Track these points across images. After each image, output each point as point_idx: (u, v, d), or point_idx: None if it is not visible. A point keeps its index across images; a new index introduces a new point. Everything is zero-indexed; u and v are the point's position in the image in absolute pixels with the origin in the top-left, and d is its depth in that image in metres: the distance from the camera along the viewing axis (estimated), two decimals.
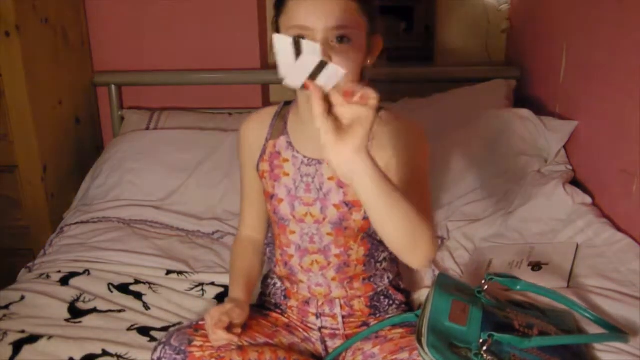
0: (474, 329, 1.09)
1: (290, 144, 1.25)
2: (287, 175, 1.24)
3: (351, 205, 1.21)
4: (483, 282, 1.20)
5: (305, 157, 1.24)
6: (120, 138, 2.26)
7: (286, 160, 1.24)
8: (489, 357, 1.03)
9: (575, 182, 1.88)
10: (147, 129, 2.29)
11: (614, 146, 1.67)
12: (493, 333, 1.05)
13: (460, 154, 2.01)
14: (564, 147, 1.97)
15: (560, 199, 1.76)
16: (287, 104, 1.31)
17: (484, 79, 2.34)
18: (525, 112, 2.04)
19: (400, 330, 1.23)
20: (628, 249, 1.50)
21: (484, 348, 1.03)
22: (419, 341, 1.05)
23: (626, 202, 1.58)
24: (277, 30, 1.15)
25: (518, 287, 1.22)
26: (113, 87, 2.42)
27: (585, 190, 1.80)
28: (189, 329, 1.16)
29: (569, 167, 1.93)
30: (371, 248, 1.28)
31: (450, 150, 2.01)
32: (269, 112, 1.32)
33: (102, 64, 2.45)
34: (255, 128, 1.30)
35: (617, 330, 1.18)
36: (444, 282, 1.19)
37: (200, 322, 1.18)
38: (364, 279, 1.29)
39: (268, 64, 2.58)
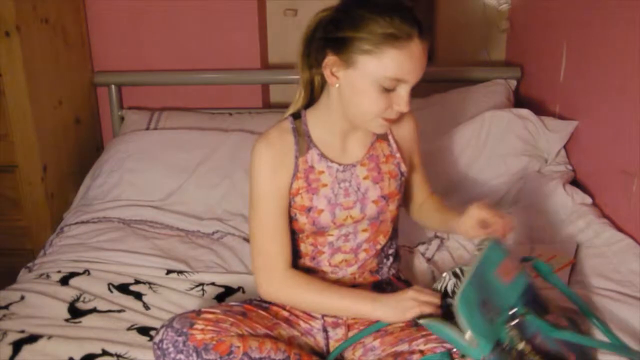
0: (513, 293, 1.10)
1: (321, 155, 1.26)
2: (325, 185, 1.26)
3: (388, 197, 1.29)
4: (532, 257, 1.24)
5: (340, 164, 1.26)
6: (120, 138, 2.26)
7: (322, 172, 1.26)
8: (512, 332, 1.03)
9: (575, 182, 1.88)
10: (147, 129, 2.29)
11: (614, 146, 1.67)
12: (526, 312, 1.05)
13: (460, 154, 2.01)
14: (564, 147, 1.97)
15: (560, 199, 1.76)
16: (296, 117, 1.29)
17: (484, 79, 2.34)
18: (525, 112, 2.04)
19: (400, 324, 1.25)
20: (628, 249, 1.50)
21: (512, 323, 1.04)
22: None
23: (626, 202, 1.58)
24: (336, 52, 1.15)
25: (550, 280, 1.23)
26: (113, 87, 2.42)
27: (585, 190, 1.80)
28: (191, 313, 1.17)
29: (569, 167, 1.93)
30: (387, 241, 1.34)
31: (449, 151, 2.01)
32: (283, 130, 1.27)
33: (102, 64, 2.45)
34: (280, 148, 1.25)
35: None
36: (498, 243, 1.18)
37: (203, 309, 1.19)
38: (372, 272, 1.34)
39: (268, 64, 2.59)
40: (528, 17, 2.33)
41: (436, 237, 1.78)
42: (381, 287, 1.34)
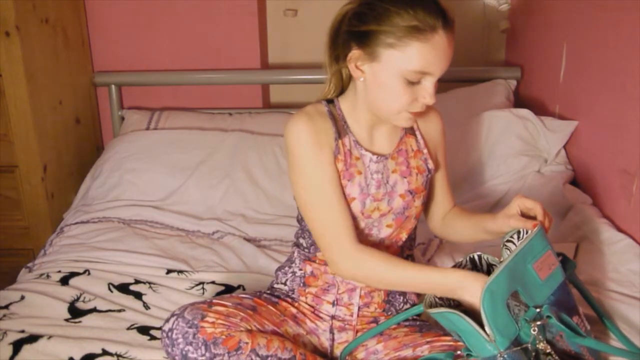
0: (546, 290, 1.08)
1: (357, 142, 1.25)
2: (360, 173, 1.25)
3: (414, 192, 1.27)
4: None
5: (374, 154, 1.26)
6: (120, 138, 2.26)
7: (357, 159, 1.25)
8: (534, 330, 1.03)
9: (575, 182, 1.88)
10: (147, 129, 2.29)
11: (614, 146, 1.67)
12: (549, 316, 1.04)
13: (460, 154, 2.01)
14: (564, 147, 1.97)
15: (560, 199, 1.76)
16: (329, 102, 1.28)
17: (484, 79, 2.34)
18: (525, 112, 2.04)
19: (404, 329, 1.26)
20: (628, 249, 1.50)
21: (537, 322, 1.03)
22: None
23: (626, 202, 1.58)
24: (362, 46, 1.14)
25: (571, 280, 1.21)
26: (113, 87, 2.42)
27: (585, 190, 1.80)
28: (203, 305, 1.17)
29: (569, 167, 1.93)
30: (406, 241, 1.32)
31: (450, 151, 2.01)
32: (318, 111, 1.25)
33: (102, 64, 2.45)
34: (319, 125, 1.23)
35: None
36: (544, 232, 1.15)
37: (214, 300, 1.19)
38: None
39: (268, 64, 2.59)
40: (528, 17, 2.33)
41: (435, 237, 1.78)
42: (394, 295, 1.32)
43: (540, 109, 2.12)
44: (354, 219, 1.25)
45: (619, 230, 1.58)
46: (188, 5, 2.37)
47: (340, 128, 1.25)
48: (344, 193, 1.23)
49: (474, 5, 2.52)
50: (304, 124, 1.21)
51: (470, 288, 1.07)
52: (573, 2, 1.92)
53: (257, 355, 1.13)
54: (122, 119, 2.42)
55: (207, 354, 1.10)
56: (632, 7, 1.54)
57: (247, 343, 1.13)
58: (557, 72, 2.02)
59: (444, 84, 2.42)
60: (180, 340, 1.11)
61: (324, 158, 1.21)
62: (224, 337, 1.12)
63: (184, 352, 1.11)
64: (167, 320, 1.14)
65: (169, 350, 1.12)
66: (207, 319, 1.13)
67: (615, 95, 1.65)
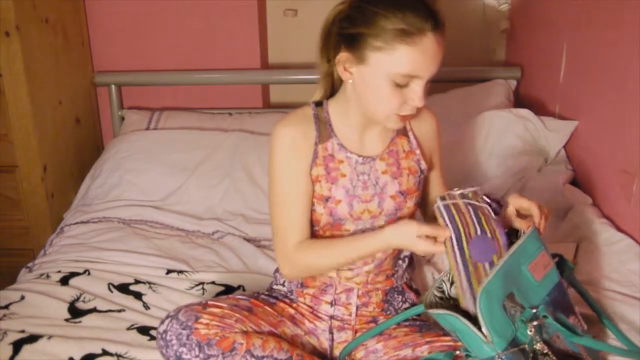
0: (541, 291, 1.09)
1: (341, 145, 1.25)
2: (344, 176, 1.25)
3: (406, 193, 1.27)
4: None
5: (360, 156, 1.26)
6: (120, 138, 2.26)
7: (341, 162, 1.25)
8: (530, 331, 1.03)
9: (575, 182, 1.88)
10: (147, 129, 2.29)
11: (614, 146, 1.67)
12: (546, 315, 1.05)
13: (460, 154, 2.01)
14: (564, 147, 1.97)
15: (560, 199, 1.76)
16: (318, 104, 1.29)
17: (484, 79, 2.34)
18: (525, 112, 2.04)
19: (404, 329, 1.26)
20: (628, 249, 1.50)
21: (534, 323, 1.03)
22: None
23: (626, 202, 1.58)
24: (351, 50, 1.14)
25: (568, 280, 1.21)
26: (113, 87, 2.42)
27: (585, 190, 1.80)
28: (198, 306, 1.18)
29: (569, 167, 1.93)
30: None
31: (450, 151, 2.01)
32: (305, 115, 1.26)
33: (102, 64, 2.45)
34: (301, 131, 1.24)
35: None
36: (537, 233, 1.16)
37: (210, 302, 1.20)
38: (387, 275, 1.32)
39: (268, 64, 2.59)
40: (528, 17, 2.33)
41: None
42: (392, 295, 1.33)
43: (540, 109, 2.12)
44: (342, 221, 1.25)
45: (619, 230, 1.58)
46: (188, 5, 2.37)
47: (324, 132, 1.25)
48: (308, 198, 1.24)
49: (474, 5, 2.52)
50: (283, 132, 1.24)
51: (400, 235, 1.14)
52: (573, 2, 1.92)
53: (252, 355, 1.14)
54: (122, 119, 2.42)
55: (201, 355, 1.11)
56: (632, 7, 1.54)
57: (241, 344, 1.13)
58: (557, 72, 2.02)
59: (444, 84, 2.43)
60: (174, 341, 1.12)
61: (298, 165, 1.23)
62: (217, 338, 1.12)
63: (177, 354, 1.11)
64: (162, 322, 1.15)
65: (163, 351, 1.13)
66: (202, 320, 1.14)
67: (615, 95, 1.65)
